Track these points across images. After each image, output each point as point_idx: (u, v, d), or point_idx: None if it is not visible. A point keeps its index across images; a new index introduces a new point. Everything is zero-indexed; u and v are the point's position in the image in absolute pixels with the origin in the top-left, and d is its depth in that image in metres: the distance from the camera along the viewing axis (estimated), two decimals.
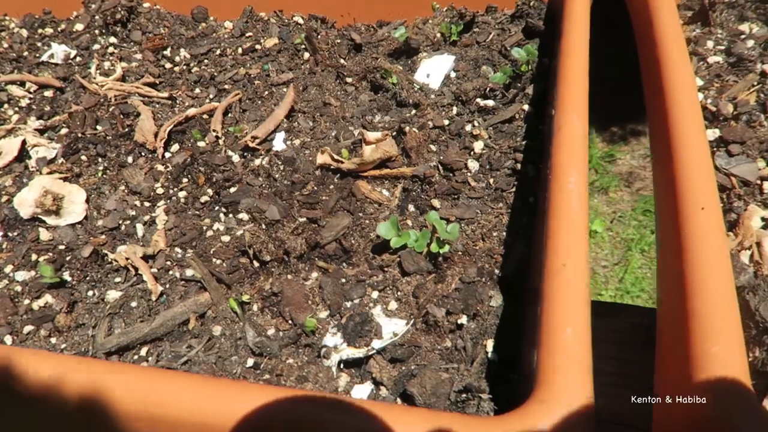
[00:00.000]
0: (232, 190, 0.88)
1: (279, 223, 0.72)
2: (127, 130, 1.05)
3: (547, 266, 0.50)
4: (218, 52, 1.31)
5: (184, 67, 1.28)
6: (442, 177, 0.80)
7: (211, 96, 1.16)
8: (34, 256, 0.84)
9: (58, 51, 1.33)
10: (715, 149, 0.70)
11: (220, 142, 0.97)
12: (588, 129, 0.69)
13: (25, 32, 1.46)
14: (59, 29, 1.45)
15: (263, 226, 0.72)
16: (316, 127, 1.00)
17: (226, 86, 1.18)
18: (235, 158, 0.94)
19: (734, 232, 0.62)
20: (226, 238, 0.82)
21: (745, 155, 0.69)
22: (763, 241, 0.59)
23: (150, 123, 1.01)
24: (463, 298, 0.62)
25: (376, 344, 0.59)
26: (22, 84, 1.24)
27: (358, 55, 1.21)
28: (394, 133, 0.88)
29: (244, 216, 0.77)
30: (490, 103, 0.93)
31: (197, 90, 1.18)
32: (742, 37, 0.94)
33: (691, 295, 0.49)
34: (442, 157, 0.83)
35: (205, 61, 1.29)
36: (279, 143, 0.97)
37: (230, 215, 0.86)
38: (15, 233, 0.89)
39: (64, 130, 1.12)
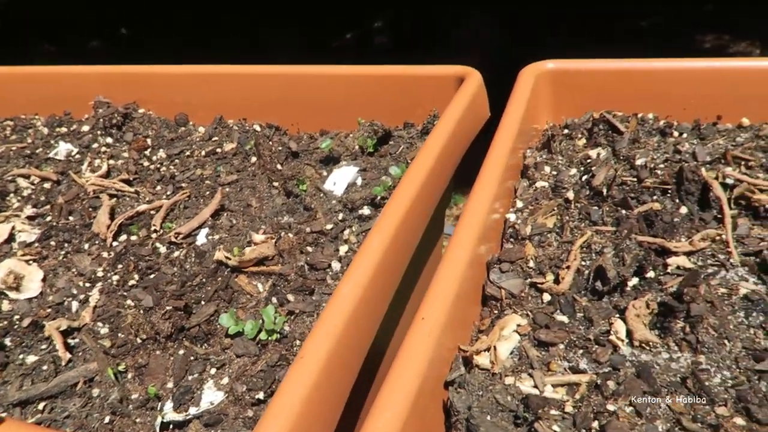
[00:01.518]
0: (152, 276, 1.10)
1: (152, 309, 0.93)
2: (91, 221, 1.30)
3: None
4: (188, 153, 1.57)
5: (158, 166, 1.54)
6: (300, 276, 0.99)
7: (168, 193, 1.41)
8: None
9: (63, 149, 1.63)
10: (493, 266, 0.86)
11: (153, 236, 1.19)
12: (387, 244, 0.86)
13: (46, 130, 1.79)
14: (71, 129, 1.76)
15: (141, 311, 0.93)
16: (234, 226, 1.22)
17: (183, 184, 1.43)
18: (162, 250, 1.16)
19: (485, 334, 0.77)
20: (129, 318, 1.02)
21: (515, 272, 0.84)
22: (498, 346, 0.74)
23: (105, 216, 1.25)
24: (264, 377, 0.79)
25: (193, 411, 0.77)
26: (27, 177, 1.54)
27: (294, 160, 1.44)
28: (279, 236, 1.08)
29: (130, 302, 0.98)
30: (367, 211, 1.12)
31: (158, 187, 1.43)
32: (587, 161, 1.11)
33: None
34: (309, 258, 1.02)
35: (176, 161, 1.55)
36: (201, 238, 1.19)
37: (148, 296, 1.06)
38: None
39: (49, 218, 1.38)
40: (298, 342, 0.87)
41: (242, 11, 5.23)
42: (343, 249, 1.05)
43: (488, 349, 0.74)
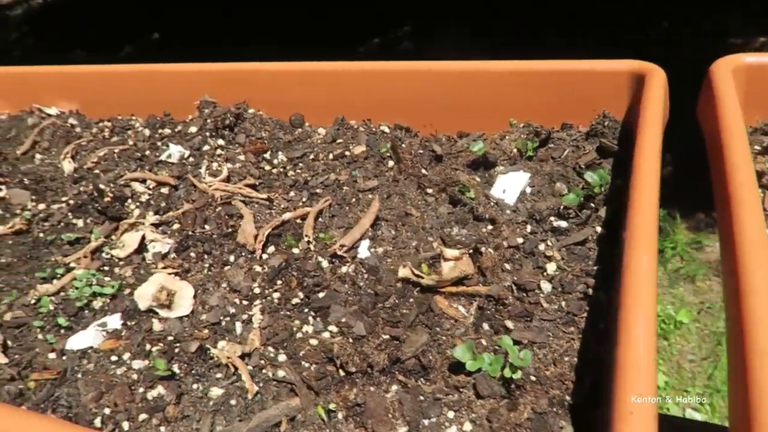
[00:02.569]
0: (321, 295, 0.97)
1: (365, 338, 0.80)
2: (230, 230, 1.18)
3: (616, 412, 0.54)
4: (311, 156, 1.45)
5: (281, 170, 1.43)
6: (516, 298, 0.86)
7: (303, 199, 1.29)
8: (148, 346, 0.96)
9: (174, 151, 1.52)
10: None
11: (311, 247, 1.07)
12: (657, 264, 0.74)
13: (147, 132, 1.68)
14: (176, 130, 1.66)
15: (350, 340, 0.80)
16: (397, 237, 1.09)
17: (318, 190, 1.31)
18: (324, 264, 1.04)
19: None
20: (314, 342, 0.90)
21: None
22: None
23: (251, 226, 1.13)
24: (535, 428, 0.67)
25: None
26: (143, 181, 1.43)
27: (438, 165, 1.32)
28: (471, 251, 0.95)
29: (333, 328, 0.85)
30: (563, 224, 0.99)
31: (292, 193, 1.31)
32: None
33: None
34: (515, 278, 0.89)
35: (300, 164, 1.43)
36: (363, 251, 1.06)
37: (318, 319, 0.94)
38: (133, 322, 1.02)
39: (176, 226, 1.27)
40: (552, 382, 0.74)
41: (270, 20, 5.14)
42: (551, 267, 0.92)
43: None
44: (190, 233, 1.19)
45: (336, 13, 5.06)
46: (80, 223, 1.35)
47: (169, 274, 1.08)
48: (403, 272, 0.93)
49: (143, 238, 1.21)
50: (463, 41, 4.37)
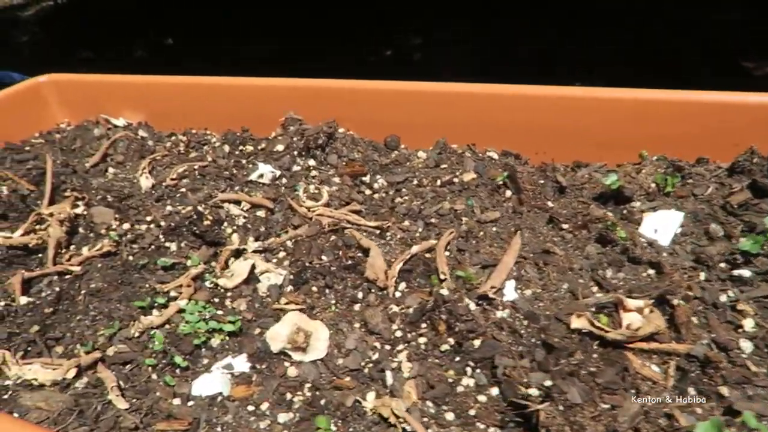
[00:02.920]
0: (476, 342, 0.88)
1: (579, 406, 0.71)
2: (350, 262, 1.09)
3: None
4: (415, 182, 1.36)
5: (383, 195, 1.34)
6: (729, 361, 0.77)
7: (419, 230, 1.20)
8: (288, 395, 0.86)
9: (266, 171, 1.43)
10: None
11: (455, 286, 0.98)
12: None
13: (227, 148, 1.59)
14: (259, 148, 1.57)
15: (560, 408, 0.71)
16: (544, 278, 1.00)
17: (433, 220, 1.22)
18: (472, 306, 0.94)
19: None
20: (482, 398, 0.81)
21: None
22: None
23: (380, 260, 1.04)
24: None
25: None
26: (237, 203, 1.34)
27: (562, 197, 1.23)
28: (652, 301, 0.86)
29: (533, 391, 0.76)
30: (746, 273, 0.90)
31: (406, 222, 1.22)
32: None
33: None
34: (713, 334, 0.80)
35: (403, 190, 1.34)
36: (510, 292, 0.97)
37: (479, 371, 0.85)
38: (263, 366, 0.92)
39: (281, 254, 1.17)
40: None
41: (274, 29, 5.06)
42: (748, 324, 0.82)
43: None
44: (306, 264, 1.10)
45: (336, 13, 4.99)
46: (173, 246, 1.25)
47: (299, 312, 0.98)
48: (579, 323, 0.84)
49: (253, 267, 1.11)
50: (463, 41, 4.29)
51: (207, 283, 1.14)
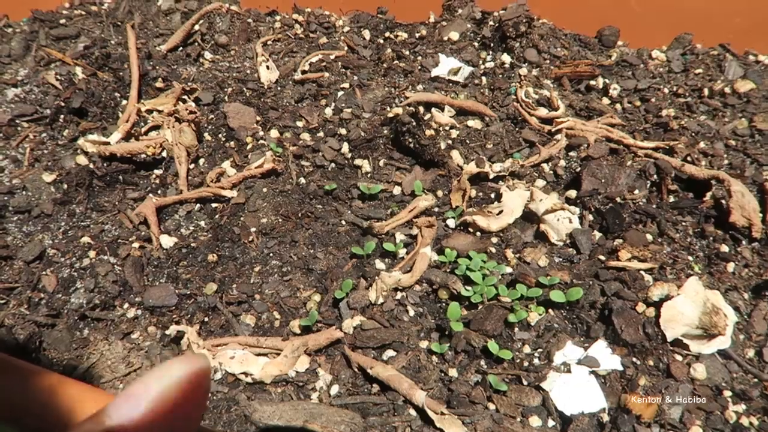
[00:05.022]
0: None
1: None
2: (673, 198, 0.75)
3: None
4: (665, 89, 1.01)
5: (633, 107, 0.98)
6: None
7: (724, 154, 0.86)
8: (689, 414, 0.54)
9: (453, 65, 1.03)
10: None
11: None
12: None
13: (367, 34, 1.17)
14: (418, 35, 1.15)
15: None
16: None
17: (732, 141, 0.88)
18: None
19: None
20: None
21: None
22: None
23: (750, 197, 0.70)
24: None
25: None
26: (440, 108, 0.94)
27: None
28: None
29: None
30: None
31: (702, 144, 0.88)
32: None
33: None
34: None
35: (652, 99, 0.99)
36: None
37: None
38: (646, 360, 0.58)
39: (539, 182, 0.81)
40: None
41: None
42: None
43: None
44: (609, 205, 0.74)
45: None
46: (365, 164, 0.86)
47: (636, 270, 0.64)
48: None
49: (532, 198, 0.75)
50: None
51: (450, 222, 0.78)
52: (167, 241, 0.74)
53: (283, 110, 0.96)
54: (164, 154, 0.87)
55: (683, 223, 0.72)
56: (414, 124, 0.82)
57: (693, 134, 0.90)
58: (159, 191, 0.83)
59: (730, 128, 0.91)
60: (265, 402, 0.55)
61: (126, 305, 0.68)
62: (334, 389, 0.59)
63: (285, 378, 0.60)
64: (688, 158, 0.84)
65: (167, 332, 0.62)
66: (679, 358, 0.58)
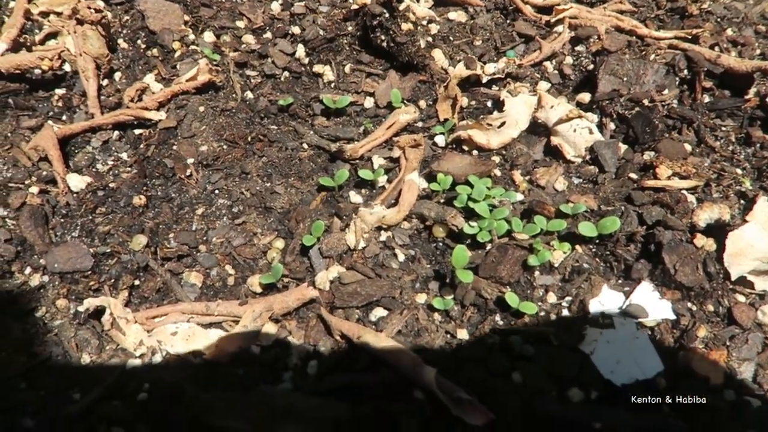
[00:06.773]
0: None
1: None
2: (708, 98, 0.62)
3: None
4: None
5: None
6: None
7: (756, 43, 0.72)
8: None
9: None
10: None
11: None
12: None
13: None
14: None
15: None
16: None
17: (761, 27, 0.74)
18: None
19: None
20: None
21: None
22: None
23: None
24: None
25: None
26: None
27: None
28: None
29: None
30: None
31: (729, 31, 0.74)
32: None
33: None
34: None
35: None
36: None
37: None
38: (705, 305, 0.47)
39: (543, 83, 0.66)
40: None
41: None
42: None
43: None
44: (636, 109, 0.60)
45: None
46: (328, 72, 0.68)
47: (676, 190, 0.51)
48: None
49: (540, 104, 0.60)
50: None
51: (439, 139, 0.62)
52: (77, 181, 0.57)
53: (219, 7, 0.76)
54: (67, 68, 0.67)
55: (723, 128, 0.59)
56: (387, 16, 0.65)
57: (718, 20, 0.76)
58: (63, 117, 0.64)
59: (758, 11, 0.77)
60: (219, 397, 0.41)
61: (28, 270, 0.51)
62: (312, 366, 0.45)
63: (246, 356, 0.46)
64: (715, 48, 0.70)
65: (81, 308, 0.47)
66: (741, 299, 0.47)
